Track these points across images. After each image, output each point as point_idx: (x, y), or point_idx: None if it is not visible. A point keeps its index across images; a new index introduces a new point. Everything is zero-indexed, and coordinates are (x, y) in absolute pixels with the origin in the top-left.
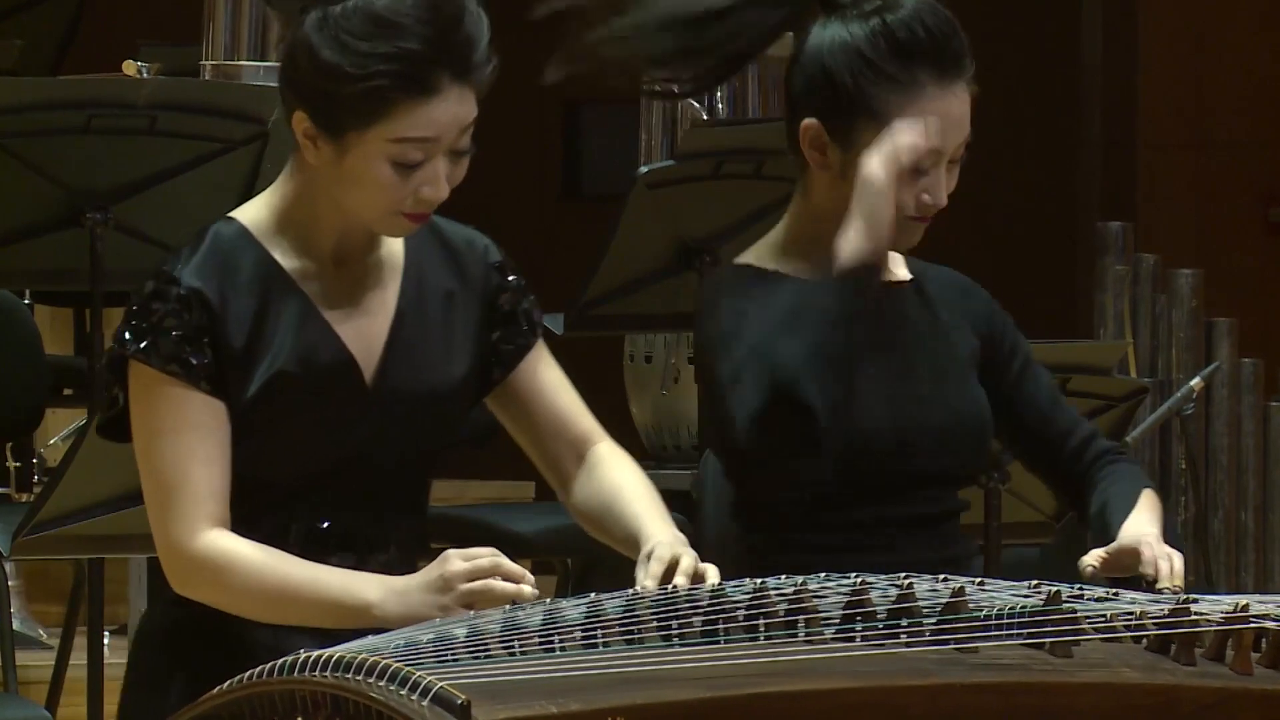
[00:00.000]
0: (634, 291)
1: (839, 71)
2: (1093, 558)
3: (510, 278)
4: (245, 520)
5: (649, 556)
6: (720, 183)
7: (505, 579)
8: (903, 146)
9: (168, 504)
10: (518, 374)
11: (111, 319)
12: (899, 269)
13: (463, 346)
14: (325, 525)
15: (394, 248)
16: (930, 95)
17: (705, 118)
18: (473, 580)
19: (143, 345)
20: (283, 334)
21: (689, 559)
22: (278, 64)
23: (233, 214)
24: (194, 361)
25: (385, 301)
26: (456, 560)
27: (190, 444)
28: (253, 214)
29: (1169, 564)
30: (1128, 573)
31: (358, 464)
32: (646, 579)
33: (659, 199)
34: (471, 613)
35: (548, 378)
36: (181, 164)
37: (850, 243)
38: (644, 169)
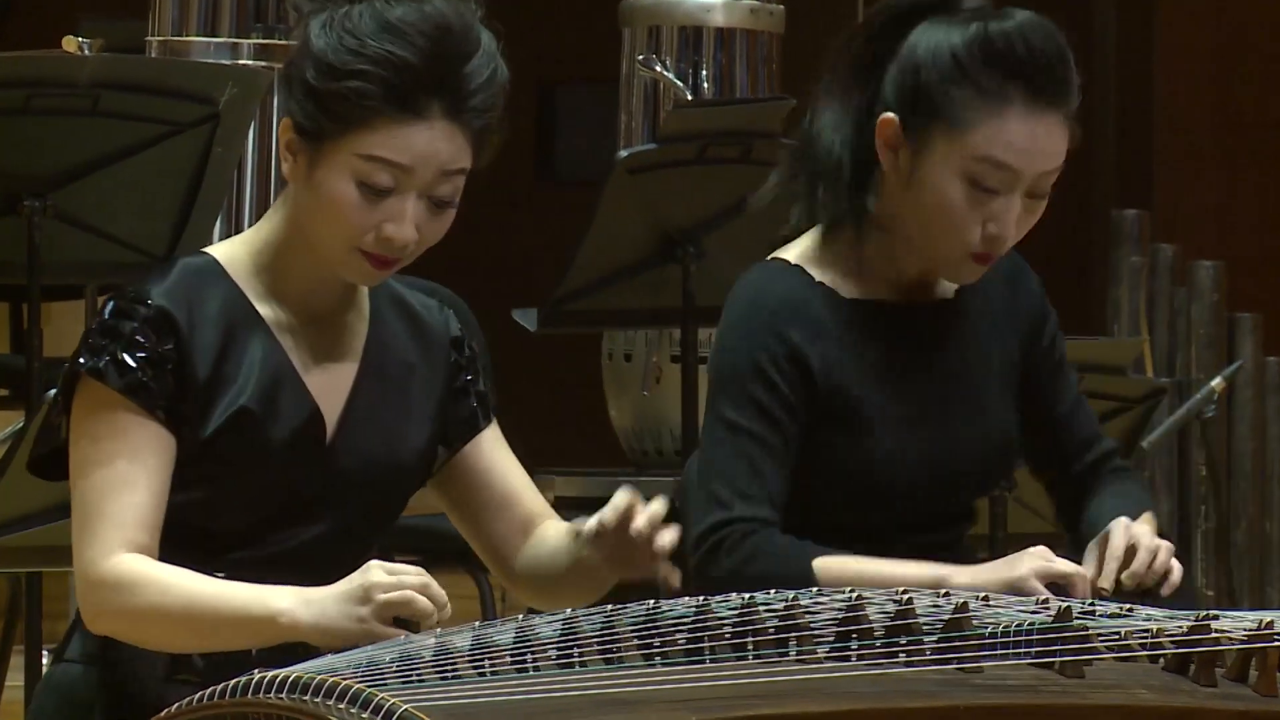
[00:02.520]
0: (613, 285)
1: (928, 70)
2: (1105, 578)
3: (466, 353)
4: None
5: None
6: (705, 168)
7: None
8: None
9: (86, 529)
10: (464, 454)
11: (51, 314)
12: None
13: (420, 419)
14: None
15: (361, 311)
16: (1017, 114)
17: (689, 98)
18: (394, 592)
19: (102, 364)
20: (247, 372)
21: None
22: (231, 40)
23: (205, 249)
24: (154, 387)
25: (349, 361)
26: (379, 571)
27: (125, 470)
28: (228, 251)
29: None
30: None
31: (305, 520)
32: (605, 513)
33: (639, 185)
34: (402, 635)
35: (497, 457)
36: (127, 147)
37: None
38: (624, 153)
